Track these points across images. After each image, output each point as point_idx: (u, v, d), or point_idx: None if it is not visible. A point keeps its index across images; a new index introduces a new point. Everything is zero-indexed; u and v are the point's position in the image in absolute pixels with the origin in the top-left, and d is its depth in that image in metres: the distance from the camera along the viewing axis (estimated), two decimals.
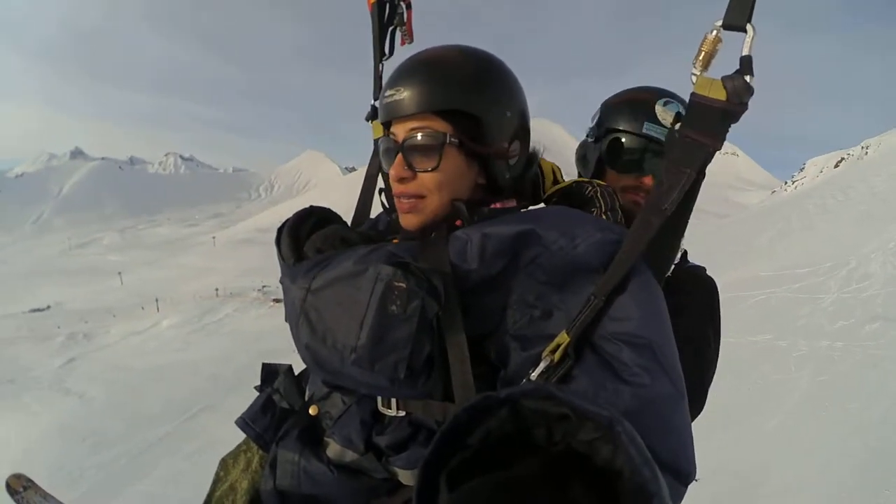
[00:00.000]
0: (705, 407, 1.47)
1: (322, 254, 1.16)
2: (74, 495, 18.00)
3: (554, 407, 0.64)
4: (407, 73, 1.14)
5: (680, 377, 0.96)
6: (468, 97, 1.11)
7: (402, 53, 1.56)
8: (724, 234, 20.51)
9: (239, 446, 1.45)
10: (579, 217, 1.09)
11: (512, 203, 1.23)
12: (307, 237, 1.26)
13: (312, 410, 1.21)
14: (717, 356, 1.50)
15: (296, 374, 1.37)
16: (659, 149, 1.50)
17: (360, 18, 1.63)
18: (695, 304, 1.45)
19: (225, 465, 1.44)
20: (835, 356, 6.75)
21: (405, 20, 1.62)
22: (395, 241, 1.21)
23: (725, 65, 0.96)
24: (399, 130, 1.15)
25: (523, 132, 1.21)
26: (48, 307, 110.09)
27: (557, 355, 0.96)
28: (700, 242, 15.26)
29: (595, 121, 1.68)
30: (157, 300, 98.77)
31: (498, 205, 1.20)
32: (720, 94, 0.95)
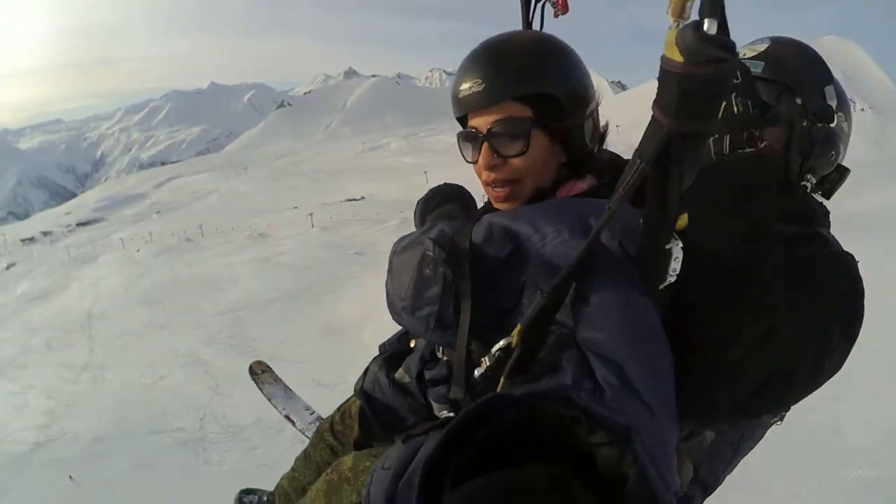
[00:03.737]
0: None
1: None
2: None
3: (566, 410, 0.68)
4: (475, 65, 1.24)
5: (654, 394, 0.88)
6: (541, 79, 1.22)
7: (555, 26, 1.55)
8: None
9: None
10: (556, 212, 1.16)
11: (584, 185, 1.30)
12: (433, 210, 1.60)
13: (412, 343, 1.59)
14: (840, 361, 1.25)
15: None
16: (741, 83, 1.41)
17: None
18: (821, 302, 1.22)
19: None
20: None
21: None
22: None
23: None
24: (479, 122, 1.26)
25: (593, 105, 1.31)
26: (362, 198, 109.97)
27: (514, 342, 1.00)
28: None
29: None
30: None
31: (562, 192, 1.29)
32: (677, 55, 0.75)
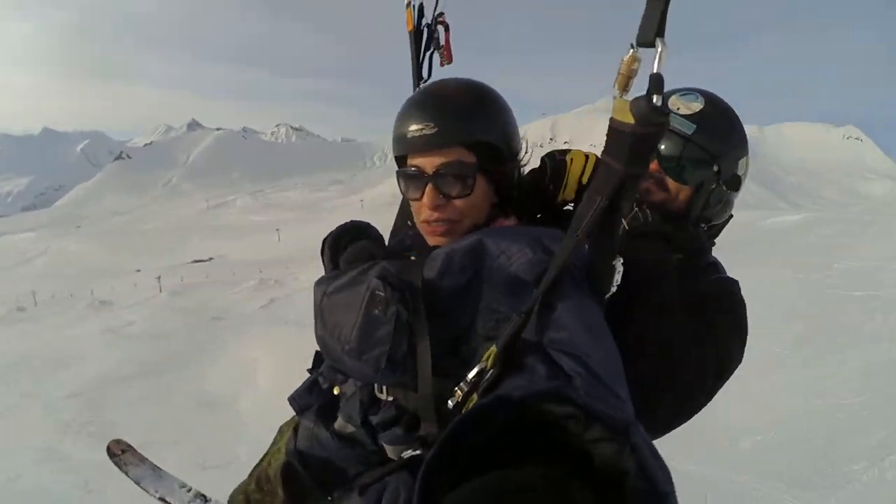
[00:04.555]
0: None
1: (351, 266, 1.41)
2: None
3: (561, 407, 0.68)
4: (426, 108, 1.33)
5: (616, 380, 1.04)
6: (488, 128, 1.34)
7: (441, 75, 1.75)
8: (858, 218, 24.88)
9: (293, 417, 1.76)
10: (519, 235, 1.27)
11: (511, 223, 1.45)
12: (344, 249, 1.53)
13: (336, 390, 1.52)
14: (739, 362, 1.63)
15: None
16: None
17: (404, 42, 1.81)
18: (727, 325, 1.61)
19: (281, 431, 1.86)
20: None
21: (442, 43, 1.78)
22: (412, 258, 1.41)
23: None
24: (424, 162, 1.34)
25: (522, 153, 1.47)
26: (210, 259, 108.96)
27: (489, 363, 1.08)
28: (838, 224, 23.92)
29: None
30: None
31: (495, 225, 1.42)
32: (629, 118, 0.98)
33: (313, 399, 1.59)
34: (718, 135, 1.68)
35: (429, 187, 1.33)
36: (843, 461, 5.89)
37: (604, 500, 0.61)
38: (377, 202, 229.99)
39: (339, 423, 1.48)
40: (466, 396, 1.10)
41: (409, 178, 1.38)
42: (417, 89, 1.42)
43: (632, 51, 0.95)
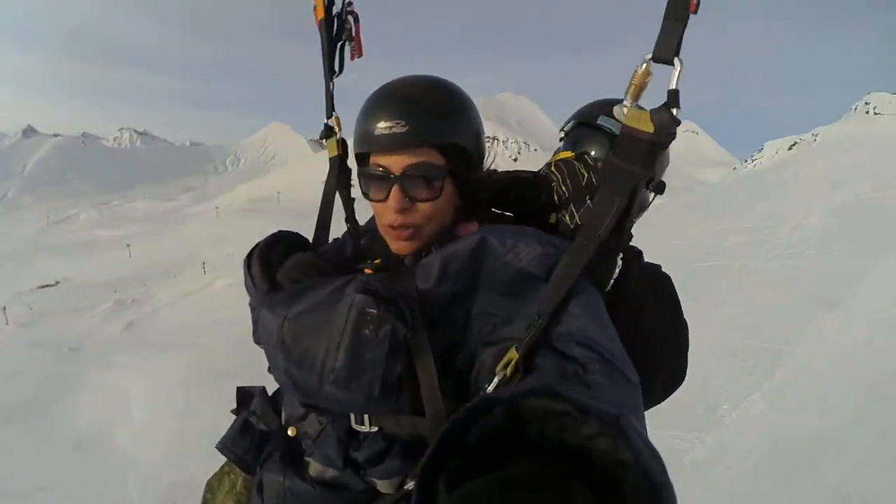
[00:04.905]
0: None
1: (298, 283, 1.26)
2: None
3: (554, 404, 0.68)
4: (396, 105, 1.23)
5: (626, 363, 1.04)
6: (459, 130, 1.26)
7: (352, 68, 1.70)
8: (700, 201, 29.47)
9: (222, 468, 1.63)
10: (524, 233, 1.22)
11: (473, 228, 1.34)
12: (279, 263, 1.35)
13: (291, 432, 1.33)
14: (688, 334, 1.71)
15: (269, 395, 1.51)
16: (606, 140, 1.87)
17: (312, 34, 1.70)
18: (674, 306, 1.67)
19: (211, 487, 1.64)
20: (787, 266, 13.20)
21: (353, 35, 1.67)
22: (367, 269, 1.31)
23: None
24: (391, 162, 1.23)
25: (485, 154, 1.40)
26: (57, 283, 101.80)
27: (509, 370, 1.04)
28: (683, 207, 26.89)
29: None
30: (203, 263, 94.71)
31: (461, 231, 1.33)
32: (648, 127, 1.02)
33: (248, 444, 1.44)
34: None
35: (395, 189, 1.21)
36: (715, 404, 7.02)
37: (603, 499, 0.60)
38: (233, 208, 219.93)
39: (315, 469, 1.27)
40: None
41: (374, 178, 1.25)
42: (382, 85, 1.27)
43: (646, 65, 1.01)
